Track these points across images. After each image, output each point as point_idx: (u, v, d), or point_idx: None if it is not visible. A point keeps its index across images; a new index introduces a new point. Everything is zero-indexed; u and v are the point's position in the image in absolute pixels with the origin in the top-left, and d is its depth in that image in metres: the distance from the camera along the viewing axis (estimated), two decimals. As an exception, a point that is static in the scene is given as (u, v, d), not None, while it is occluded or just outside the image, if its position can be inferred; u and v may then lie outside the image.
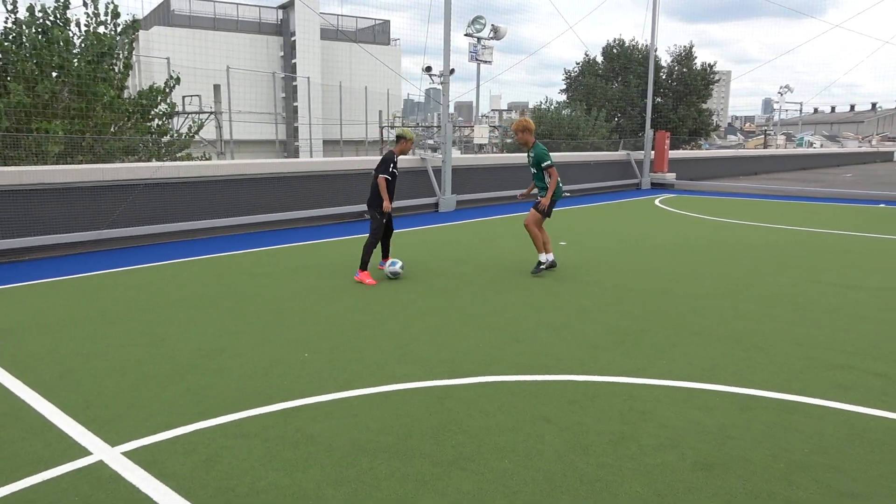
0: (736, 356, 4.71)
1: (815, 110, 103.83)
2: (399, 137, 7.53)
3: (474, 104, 23.50)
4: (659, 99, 39.74)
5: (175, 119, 26.83)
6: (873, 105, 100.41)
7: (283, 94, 49.38)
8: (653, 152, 21.02)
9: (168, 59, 31.19)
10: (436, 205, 14.03)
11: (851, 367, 4.50)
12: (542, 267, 7.46)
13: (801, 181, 24.61)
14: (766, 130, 69.94)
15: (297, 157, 41.95)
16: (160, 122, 16.79)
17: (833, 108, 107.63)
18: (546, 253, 7.51)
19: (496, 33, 16.10)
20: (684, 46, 41.45)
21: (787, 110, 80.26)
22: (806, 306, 6.14)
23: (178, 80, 17.65)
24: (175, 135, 18.46)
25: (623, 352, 4.78)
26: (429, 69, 13.31)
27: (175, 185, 9.99)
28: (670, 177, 21.19)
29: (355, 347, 4.90)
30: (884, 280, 7.34)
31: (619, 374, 4.33)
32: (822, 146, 69.43)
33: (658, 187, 20.85)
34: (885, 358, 4.68)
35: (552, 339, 5.09)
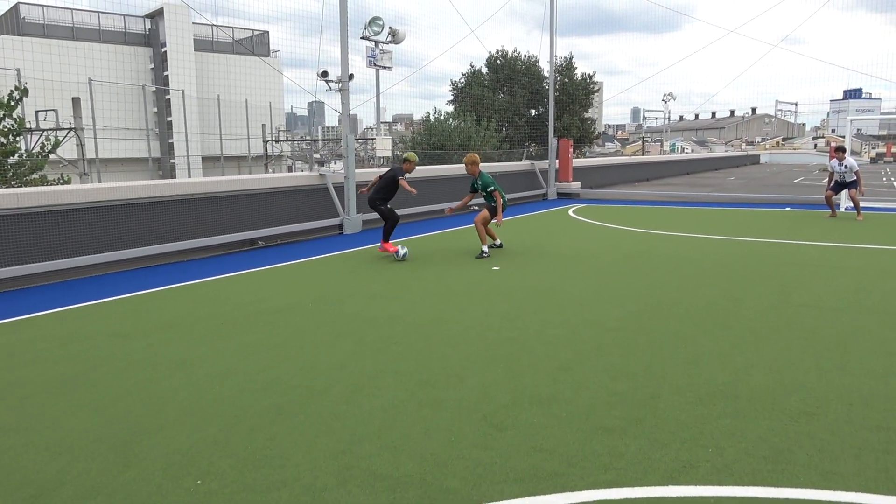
0: (791, 432, 3.58)
1: (681, 118, 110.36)
2: (405, 160, 9.56)
3: (375, 114, 22.02)
4: (542, 109, 40.15)
5: (28, 137, 23.50)
6: (732, 112, 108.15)
7: (155, 109, 45.64)
8: (556, 161, 20.43)
9: (18, 70, 27.53)
10: (340, 226, 12.47)
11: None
12: (485, 255, 9.22)
13: (694, 186, 24.96)
14: (643, 138, 72.92)
15: (173, 175, 38.66)
16: (5, 141, 14.31)
17: (697, 116, 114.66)
18: (485, 244, 9.37)
19: (394, 37, 14.78)
20: (564, 57, 42.28)
21: (656, 118, 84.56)
22: (813, 342, 5.19)
23: (25, 92, 15.15)
24: (24, 155, 15.88)
25: (648, 436, 3.53)
26: (325, 74, 11.76)
27: (14, 217, 7.86)
28: (575, 186, 20.68)
29: (273, 457, 3.35)
30: (862, 298, 6.61)
31: (664, 480, 3.07)
32: (692, 151, 73.43)
33: (564, 197, 20.26)
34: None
35: (545, 419, 3.77)
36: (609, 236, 11.50)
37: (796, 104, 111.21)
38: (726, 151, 69.00)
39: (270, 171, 33.70)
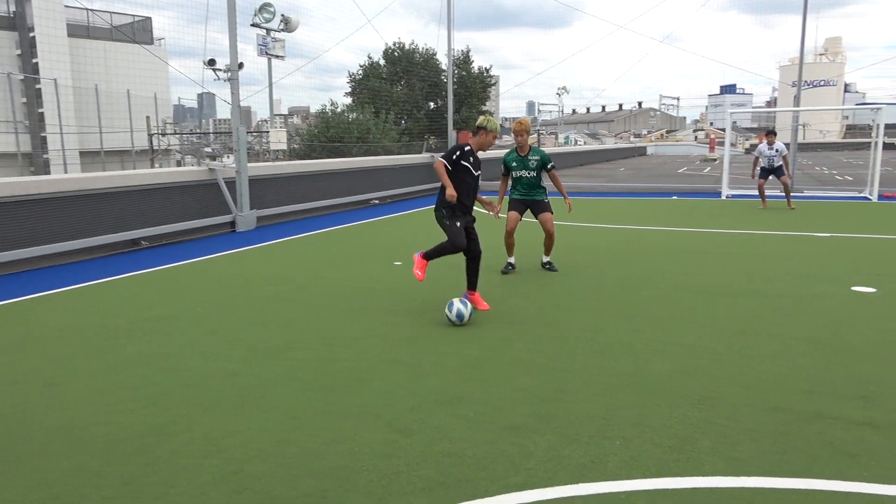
0: (693, 418, 3.61)
1: (574, 111, 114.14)
2: (479, 128, 5.92)
3: (269, 106, 21.18)
4: (441, 102, 40.39)
5: None
6: (620, 106, 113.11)
7: (24, 99, 42.03)
8: (456, 154, 20.45)
9: None
10: (232, 223, 11.86)
11: (871, 426, 3.63)
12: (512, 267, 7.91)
13: (590, 177, 25.78)
14: (539, 130, 74.71)
15: (47, 171, 35.73)
16: None
17: (588, 109, 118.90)
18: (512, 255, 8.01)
19: (287, 24, 14.21)
20: (462, 51, 42.57)
21: (550, 112, 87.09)
22: (708, 327, 5.35)
23: None
24: None
25: (556, 431, 3.45)
26: (212, 62, 11.12)
27: None
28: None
29: (154, 484, 3.00)
30: (749, 282, 6.94)
31: (574, 478, 2.98)
32: (585, 143, 76.15)
33: (464, 189, 20.30)
34: None
35: (452, 421, 3.62)
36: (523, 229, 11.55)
37: (678, 98, 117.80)
38: (616, 143, 71.95)
39: (157, 166, 31.87)
